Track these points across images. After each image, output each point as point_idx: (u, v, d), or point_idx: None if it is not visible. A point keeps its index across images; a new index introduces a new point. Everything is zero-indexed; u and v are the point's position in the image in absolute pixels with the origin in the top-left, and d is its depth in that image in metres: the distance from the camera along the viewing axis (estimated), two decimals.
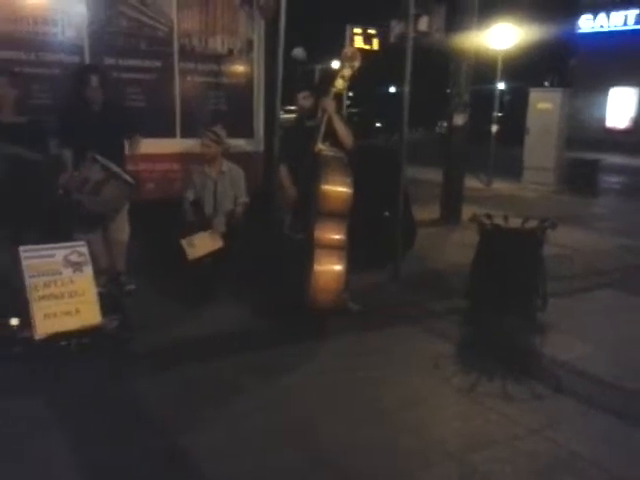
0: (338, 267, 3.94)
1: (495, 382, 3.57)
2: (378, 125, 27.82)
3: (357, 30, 15.39)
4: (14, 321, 3.71)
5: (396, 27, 10.58)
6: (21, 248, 3.80)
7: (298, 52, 16.97)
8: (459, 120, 8.14)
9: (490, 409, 3.26)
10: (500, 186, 12.12)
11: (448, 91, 8.43)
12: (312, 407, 3.23)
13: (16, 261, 3.80)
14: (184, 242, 4.60)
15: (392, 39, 10.66)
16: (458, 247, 6.55)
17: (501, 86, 16.27)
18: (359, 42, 15.26)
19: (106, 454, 2.77)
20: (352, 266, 4.16)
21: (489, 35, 12.04)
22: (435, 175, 9.56)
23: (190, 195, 4.96)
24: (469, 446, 2.92)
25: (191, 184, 5.01)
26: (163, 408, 3.16)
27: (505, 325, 4.36)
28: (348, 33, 14.77)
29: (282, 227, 4.67)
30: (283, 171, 4.63)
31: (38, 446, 2.79)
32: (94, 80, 4.42)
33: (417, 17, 7.46)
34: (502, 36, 12.24)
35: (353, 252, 4.10)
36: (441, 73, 10.03)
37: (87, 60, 5.34)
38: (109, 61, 5.48)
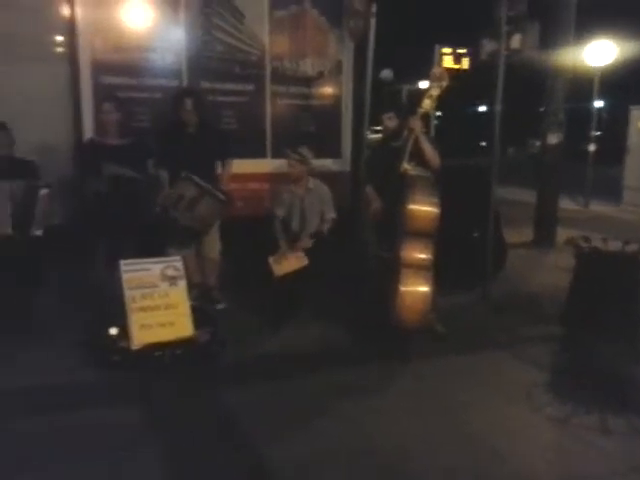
0: (424, 287, 3.88)
1: (592, 414, 3.37)
2: (483, 144, 27.32)
3: (446, 50, 15.28)
4: (113, 331, 3.91)
5: (487, 45, 10.39)
6: (121, 262, 4.03)
7: (386, 73, 17.06)
8: (553, 139, 7.86)
9: (586, 442, 3.08)
10: (598, 208, 11.56)
11: (542, 109, 8.17)
12: (396, 428, 3.18)
13: (115, 274, 4.04)
14: (271, 260, 4.70)
15: (483, 56, 10.49)
16: (552, 270, 6.29)
17: (599, 104, 15.59)
18: (448, 62, 15.14)
19: (193, 465, 2.84)
20: (440, 287, 4.08)
21: (586, 51, 11.60)
22: (528, 196, 9.25)
23: (280, 213, 5.07)
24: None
25: (280, 202, 5.12)
26: (249, 422, 3.21)
27: (603, 353, 4.11)
28: (437, 53, 14.70)
29: (368, 246, 4.66)
30: (369, 190, 4.63)
31: (130, 454, 2.90)
32: (188, 103, 4.62)
33: (509, 34, 7.29)
34: (600, 52, 11.75)
35: (441, 273, 4.02)
36: (534, 91, 9.74)
37: (184, 84, 5.61)
38: (205, 85, 5.72)
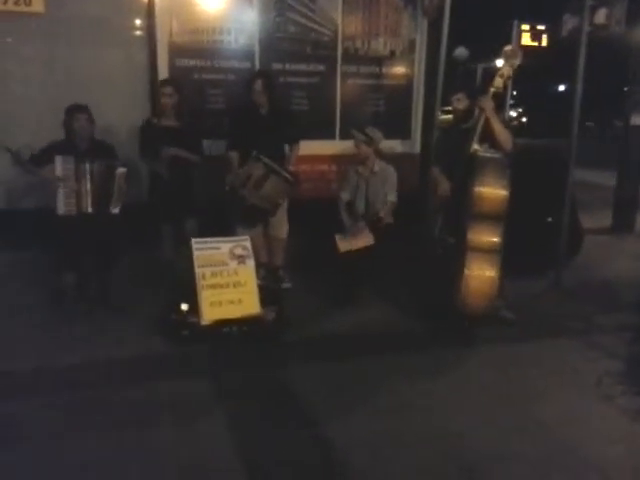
0: (491, 272, 3.80)
1: None
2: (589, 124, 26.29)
3: (525, 27, 14.71)
4: (184, 306, 4.06)
5: (569, 21, 9.91)
6: (193, 240, 4.17)
7: (461, 52, 16.57)
8: (638, 119, 7.44)
9: None
10: None
11: (626, 89, 7.74)
12: (459, 415, 3.16)
13: (184, 252, 4.18)
14: (337, 237, 4.73)
15: (564, 33, 10.01)
16: (630, 258, 6.01)
17: None
18: (526, 39, 14.58)
19: (257, 438, 2.93)
20: (510, 272, 3.99)
21: None
22: (607, 179, 8.83)
23: (345, 196, 5.07)
24: (631, 472, 2.67)
25: (346, 184, 5.12)
26: (313, 398, 3.28)
27: None
28: (515, 30, 14.17)
29: (434, 229, 4.60)
30: (435, 171, 4.55)
31: (203, 424, 3.02)
32: (259, 84, 4.65)
33: (594, 9, 6.91)
34: None
35: (512, 258, 3.93)
36: (619, 69, 9.23)
37: (257, 66, 5.68)
38: (277, 66, 5.78)
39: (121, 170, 4.29)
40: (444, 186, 4.31)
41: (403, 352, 3.89)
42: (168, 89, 4.63)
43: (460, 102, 4.36)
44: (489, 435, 2.96)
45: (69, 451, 2.78)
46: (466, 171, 3.94)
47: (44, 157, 4.22)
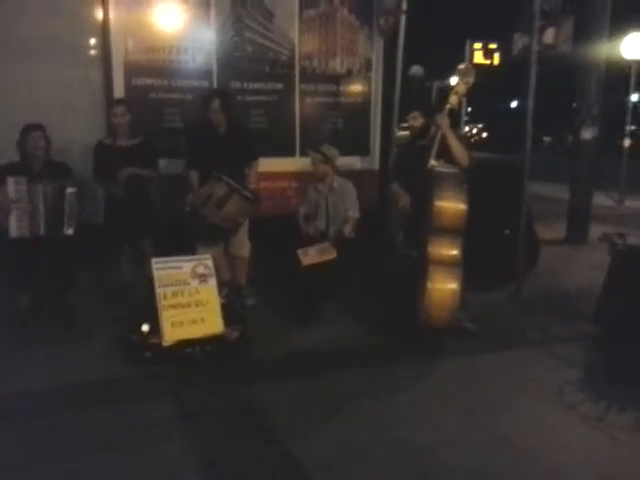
0: (453, 284, 3.85)
1: (627, 413, 3.30)
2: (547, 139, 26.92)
3: (477, 45, 15.11)
4: (145, 327, 3.98)
5: (519, 40, 10.25)
6: (153, 260, 4.10)
7: (416, 70, 16.89)
8: (587, 134, 7.70)
9: (621, 442, 3.02)
10: (633, 204, 11.29)
11: (575, 105, 8.02)
12: (425, 427, 3.16)
13: (143, 272, 4.11)
14: (300, 252, 4.74)
15: (515, 52, 10.33)
16: (585, 268, 6.17)
17: (635, 98, 15.21)
18: (479, 57, 14.97)
19: (222, 458, 2.88)
20: (469, 284, 4.05)
21: (622, 44, 11.33)
22: (561, 192, 9.10)
23: (303, 210, 5.10)
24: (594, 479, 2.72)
25: (306, 200, 5.15)
26: (278, 415, 3.24)
27: (637, 351, 4.03)
28: (468, 48, 14.55)
29: (394, 244, 4.65)
30: (395, 187, 4.60)
31: (167, 446, 2.95)
32: (216, 103, 4.64)
33: (542, 29, 7.15)
34: (636, 45, 11.47)
35: (471, 270, 3.99)
36: (569, 85, 9.57)
37: (215, 84, 5.67)
38: (235, 85, 5.78)
39: (70, 190, 4.23)
40: (404, 200, 4.36)
41: (368, 366, 3.89)
42: (119, 109, 4.60)
43: (416, 119, 4.45)
44: (455, 448, 2.98)
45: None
46: (425, 186, 4.00)
47: None
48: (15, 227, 4.12)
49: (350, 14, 6.20)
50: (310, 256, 4.70)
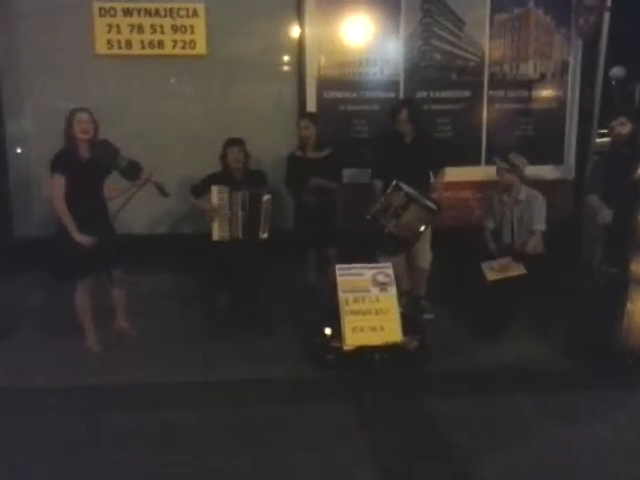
0: None
1: None
2: None
3: None
4: (328, 330, 4.12)
5: None
6: (337, 266, 4.26)
7: (618, 71, 15.47)
8: None
9: None
10: None
11: None
12: (616, 460, 2.89)
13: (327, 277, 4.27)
14: (484, 265, 4.57)
15: None
16: None
17: None
18: None
19: (397, 469, 2.89)
20: None
21: None
22: None
23: (490, 224, 4.91)
24: None
25: (490, 212, 4.96)
26: (453, 433, 3.17)
27: None
28: None
29: (592, 260, 4.30)
30: (593, 199, 4.25)
31: (344, 449, 3.04)
32: (404, 113, 4.68)
33: None
34: None
35: None
36: None
37: (402, 95, 5.72)
38: (421, 94, 5.76)
39: (266, 197, 4.53)
40: (604, 214, 4.02)
41: (556, 390, 3.64)
42: (303, 122, 4.84)
43: (623, 126, 4.09)
44: None
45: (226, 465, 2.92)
46: (630, 198, 3.65)
47: (202, 188, 4.58)
48: (217, 231, 4.54)
49: (546, 15, 5.87)
50: (495, 271, 4.52)
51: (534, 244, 4.68)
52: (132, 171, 4.19)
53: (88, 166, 4.08)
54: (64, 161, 4.03)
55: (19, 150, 5.55)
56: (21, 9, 5.36)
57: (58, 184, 3.99)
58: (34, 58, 5.39)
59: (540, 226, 4.71)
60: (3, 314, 4.73)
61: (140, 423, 3.27)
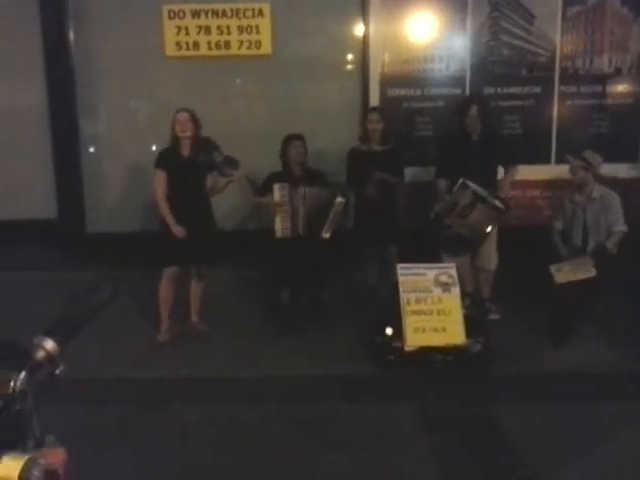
0: None
1: None
2: None
3: None
4: (389, 330, 4.08)
5: None
6: (398, 265, 4.21)
7: None
8: None
9: None
10: None
11: None
12: None
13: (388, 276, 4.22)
14: (553, 267, 4.41)
15: None
16: None
17: None
18: None
19: (465, 471, 2.83)
20: None
21: None
22: None
23: (559, 225, 4.74)
24: None
25: (561, 213, 4.78)
26: (522, 440, 3.07)
27: None
28: None
29: None
30: None
31: (405, 450, 3.01)
32: (474, 110, 4.57)
33: None
34: None
35: None
36: None
37: (467, 91, 5.60)
38: (488, 90, 5.63)
39: (340, 199, 4.48)
40: None
41: (629, 396, 3.47)
42: (374, 115, 4.80)
43: None
44: None
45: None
46: None
47: (265, 187, 4.64)
48: (279, 229, 4.58)
49: (622, 7, 5.61)
50: (564, 273, 4.34)
51: (612, 245, 4.49)
52: (228, 167, 4.32)
53: (190, 162, 4.29)
54: (165, 157, 4.31)
55: (92, 149, 5.79)
56: (95, 13, 5.59)
57: (158, 179, 4.27)
58: (108, 60, 5.61)
59: (622, 227, 4.52)
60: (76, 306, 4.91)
61: (203, 417, 3.33)
